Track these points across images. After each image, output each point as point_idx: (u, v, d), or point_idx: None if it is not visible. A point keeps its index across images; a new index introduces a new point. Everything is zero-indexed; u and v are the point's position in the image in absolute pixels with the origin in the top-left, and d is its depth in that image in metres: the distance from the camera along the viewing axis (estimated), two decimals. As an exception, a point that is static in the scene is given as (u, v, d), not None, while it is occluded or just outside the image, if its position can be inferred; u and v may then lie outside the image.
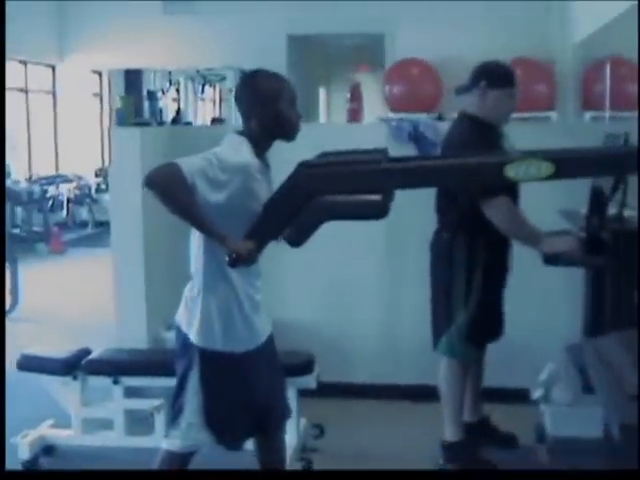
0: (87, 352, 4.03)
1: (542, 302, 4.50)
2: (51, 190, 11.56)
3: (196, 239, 2.76)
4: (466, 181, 2.73)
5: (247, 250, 2.58)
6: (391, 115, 9.18)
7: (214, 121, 13.26)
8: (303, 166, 2.63)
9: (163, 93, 11.97)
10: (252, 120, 2.75)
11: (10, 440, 3.89)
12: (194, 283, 2.79)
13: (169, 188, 2.54)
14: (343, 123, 9.17)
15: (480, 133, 3.58)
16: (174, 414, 2.84)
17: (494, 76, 3.67)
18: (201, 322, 2.75)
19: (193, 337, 2.76)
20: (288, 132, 2.78)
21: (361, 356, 4.68)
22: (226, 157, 2.63)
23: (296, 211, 2.58)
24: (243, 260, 2.60)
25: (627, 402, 1.78)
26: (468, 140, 3.57)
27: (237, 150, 2.69)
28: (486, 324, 3.75)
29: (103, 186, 12.69)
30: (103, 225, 11.75)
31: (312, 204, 2.57)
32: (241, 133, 2.77)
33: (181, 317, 2.83)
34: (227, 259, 2.58)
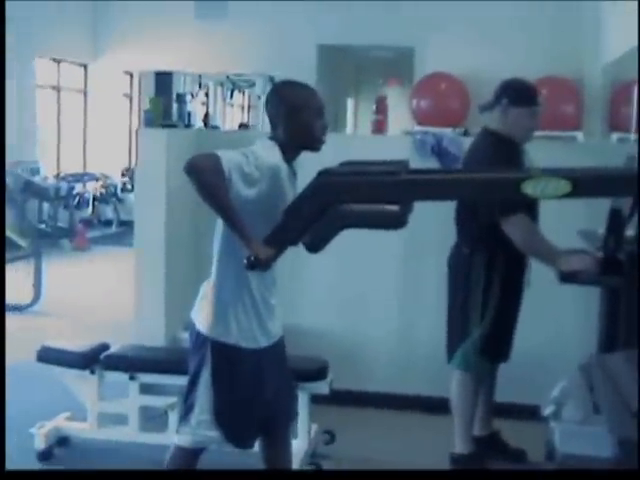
0: (105, 347, 4.10)
1: (556, 320, 4.52)
2: (78, 187, 11.70)
3: (219, 235, 2.81)
4: (483, 195, 2.76)
5: (267, 256, 2.63)
6: (417, 128, 9.22)
7: (241, 126, 13.36)
8: (324, 174, 2.67)
9: (192, 97, 12.06)
10: (279, 129, 2.82)
11: (27, 430, 3.97)
12: (213, 277, 2.85)
13: (208, 177, 2.57)
14: (367, 134, 9.23)
15: (501, 149, 3.62)
16: (185, 410, 2.90)
17: (516, 94, 3.71)
18: (215, 315, 2.81)
19: (207, 329, 2.82)
20: (312, 143, 2.84)
21: (374, 365, 4.71)
22: (261, 156, 2.70)
23: (315, 218, 2.62)
24: (261, 265, 2.65)
25: (629, 419, 1.81)
26: (489, 156, 3.61)
27: (270, 152, 2.76)
28: (501, 339, 3.79)
29: (129, 186, 12.81)
30: (127, 224, 11.87)
31: (331, 212, 2.61)
32: (271, 139, 2.83)
33: (196, 312, 2.89)
34: (245, 261, 2.63)
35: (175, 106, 8.02)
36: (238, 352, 2.82)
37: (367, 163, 2.93)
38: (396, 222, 2.64)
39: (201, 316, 2.86)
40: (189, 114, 9.22)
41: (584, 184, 2.55)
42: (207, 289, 2.87)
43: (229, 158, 2.62)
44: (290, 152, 2.82)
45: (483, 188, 2.58)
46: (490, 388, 4.01)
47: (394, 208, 2.61)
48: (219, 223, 2.79)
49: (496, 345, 3.78)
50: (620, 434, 1.77)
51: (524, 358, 4.22)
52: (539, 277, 3.84)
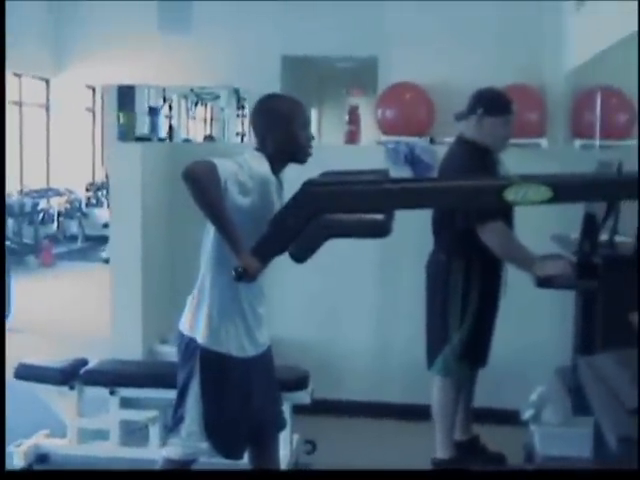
0: (84, 362, 4.08)
1: (532, 325, 4.58)
2: (42, 203, 11.60)
3: (210, 244, 2.82)
4: (467, 203, 2.81)
5: (255, 269, 2.65)
6: (383, 138, 9.28)
7: (206, 138, 13.37)
8: (308, 185, 2.70)
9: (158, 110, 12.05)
10: (267, 141, 2.84)
11: (5, 449, 3.93)
12: (202, 286, 2.85)
13: (205, 184, 2.59)
14: (341, 144, 9.27)
15: (477, 158, 3.68)
16: (174, 422, 2.90)
17: (491, 103, 3.78)
18: (205, 322, 2.82)
19: (198, 337, 2.82)
20: (299, 155, 2.87)
21: (354, 374, 4.73)
22: (253, 166, 2.73)
23: (301, 228, 2.65)
24: (248, 276, 2.66)
25: (625, 417, 1.86)
26: (466, 164, 3.67)
27: (259, 163, 2.78)
28: (480, 344, 3.84)
29: (93, 200, 12.75)
30: (92, 239, 11.81)
31: (316, 222, 2.64)
32: (258, 150, 2.85)
33: (185, 321, 2.89)
34: (233, 272, 2.64)
35: (147, 119, 8.01)
36: (227, 361, 2.83)
37: (348, 173, 2.96)
38: (380, 230, 2.68)
39: (190, 325, 2.86)
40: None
41: (564, 190, 2.61)
42: (196, 298, 2.87)
43: (225, 166, 2.64)
44: (277, 163, 2.85)
45: (466, 195, 2.63)
46: (469, 393, 4.06)
47: (378, 217, 2.64)
48: (210, 232, 2.80)
49: (475, 350, 3.83)
50: (618, 432, 1.81)
51: (501, 363, 4.28)
52: (515, 283, 3.89)
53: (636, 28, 4.81)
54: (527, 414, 3.81)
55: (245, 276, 2.65)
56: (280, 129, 2.83)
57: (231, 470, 3.30)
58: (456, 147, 3.87)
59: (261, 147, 2.86)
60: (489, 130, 3.74)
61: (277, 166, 2.85)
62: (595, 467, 2.65)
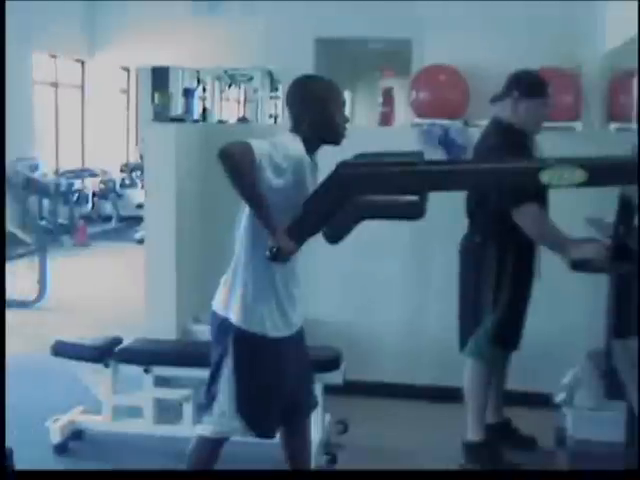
0: (119, 341, 4.13)
1: (565, 308, 4.56)
2: (77, 184, 11.69)
3: (244, 224, 2.84)
4: (502, 185, 2.80)
5: (289, 247, 2.67)
6: (417, 120, 9.24)
7: (239, 120, 13.39)
8: (342, 166, 2.71)
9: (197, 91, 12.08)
10: (303, 123, 2.85)
11: (42, 424, 4.00)
12: (236, 266, 2.88)
13: (241, 165, 2.61)
14: (375, 126, 9.25)
15: (512, 140, 3.66)
16: (207, 401, 2.93)
17: (526, 86, 3.76)
18: (240, 302, 2.85)
19: (231, 317, 2.85)
20: (335, 136, 2.89)
21: (386, 355, 4.74)
22: (287, 147, 2.75)
23: (335, 209, 2.66)
24: (282, 256, 2.68)
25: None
26: (501, 146, 3.65)
27: (294, 144, 2.80)
28: (513, 327, 3.84)
29: (127, 181, 12.84)
30: (126, 220, 11.91)
31: (351, 203, 2.65)
32: (293, 131, 2.87)
33: (219, 301, 2.92)
34: (268, 252, 2.66)
35: (182, 100, 8.04)
36: (261, 341, 2.85)
37: (382, 154, 2.97)
38: (414, 212, 2.68)
39: (224, 305, 2.89)
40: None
41: (599, 173, 2.60)
42: (230, 278, 2.90)
43: (260, 147, 2.66)
44: (312, 145, 2.86)
45: (501, 177, 2.62)
46: (501, 376, 4.06)
47: (412, 198, 2.65)
48: (244, 212, 2.82)
49: (508, 333, 3.83)
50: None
51: (534, 346, 4.27)
52: (549, 266, 3.87)
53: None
54: (559, 397, 3.79)
55: (279, 256, 2.67)
56: (316, 110, 2.84)
57: (231, 470, 3.35)
58: (491, 129, 3.86)
59: (296, 128, 2.87)
60: (524, 112, 3.72)
61: (311, 147, 2.86)
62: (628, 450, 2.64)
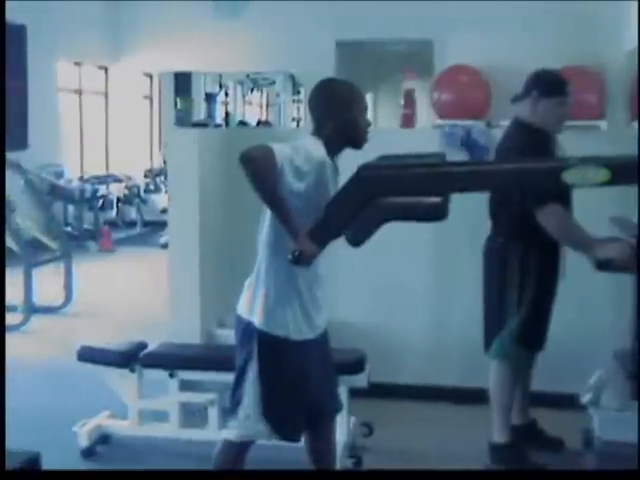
0: (144, 346, 4.15)
1: (591, 308, 4.53)
2: (102, 189, 11.77)
3: (267, 228, 2.85)
4: (525, 185, 2.79)
5: (311, 251, 2.67)
6: (439, 122, 9.23)
7: (259, 124, 13.42)
8: (364, 168, 2.71)
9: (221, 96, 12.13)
10: (326, 125, 2.86)
11: (70, 428, 4.03)
12: (259, 270, 2.89)
13: (262, 169, 2.62)
14: (397, 128, 9.22)
15: (533, 139, 3.66)
16: (233, 404, 2.94)
17: (546, 85, 3.75)
18: (263, 306, 2.85)
19: (255, 320, 2.86)
20: (357, 140, 2.90)
21: (411, 357, 4.74)
22: (309, 150, 2.76)
23: (357, 212, 2.66)
24: (305, 259, 2.69)
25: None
26: (522, 146, 3.65)
27: (316, 147, 2.81)
28: (538, 328, 3.82)
29: (152, 187, 12.91)
30: (151, 225, 11.97)
31: (373, 205, 2.65)
32: (315, 135, 2.87)
33: (243, 305, 2.93)
34: (290, 256, 2.67)
35: (204, 105, 8.08)
36: (284, 344, 2.86)
37: (404, 156, 2.97)
38: (437, 214, 2.68)
39: (248, 309, 2.90)
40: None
41: (623, 172, 2.58)
42: (253, 282, 2.91)
43: (281, 151, 2.66)
44: (334, 148, 2.87)
45: (524, 178, 2.61)
46: (527, 377, 4.04)
47: (435, 200, 2.65)
48: (266, 216, 2.83)
49: (533, 333, 3.81)
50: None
51: (560, 347, 4.25)
52: (573, 266, 3.85)
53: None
54: (586, 398, 3.77)
55: (301, 260, 2.67)
56: (338, 114, 2.84)
57: (231, 470, 3.35)
58: (513, 129, 3.85)
59: (318, 131, 2.88)
60: (544, 112, 3.71)
61: (333, 151, 2.87)
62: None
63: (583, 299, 4.49)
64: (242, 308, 2.93)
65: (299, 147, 2.75)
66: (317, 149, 2.80)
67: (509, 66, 9.63)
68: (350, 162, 2.81)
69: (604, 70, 9.44)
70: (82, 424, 4.05)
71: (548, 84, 3.77)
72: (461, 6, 10.16)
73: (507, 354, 3.80)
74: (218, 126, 7.69)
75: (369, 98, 16.71)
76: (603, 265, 3.47)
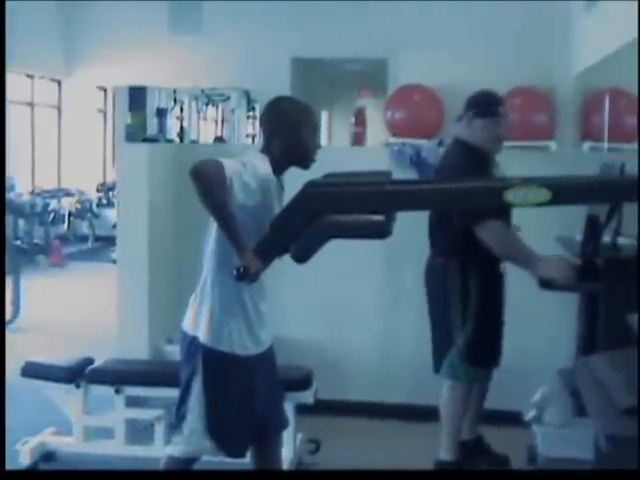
0: (90, 361, 4.12)
1: (535, 325, 4.58)
2: (53, 203, 11.66)
3: (213, 243, 2.85)
4: (467, 204, 2.83)
5: (256, 269, 2.68)
6: (391, 140, 9.29)
7: (216, 140, 13.40)
8: (310, 186, 2.74)
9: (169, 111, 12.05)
10: (274, 143, 2.87)
11: (12, 447, 3.96)
12: (204, 285, 2.88)
13: (211, 182, 2.62)
14: (347, 146, 9.30)
15: (470, 158, 3.73)
16: (177, 420, 2.93)
17: (479, 106, 3.84)
18: (207, 321, 2.85)
19: (200, 336, 2.85)
20: (305, 161, 2.91)
21: (358, 374, 4.75)
22: (256, 166, 2.76)
23: (302, 228, 2.68)
24: (249, 276, 2.69)
25: (616, 416, 1.88)
26: (459, 164, 3.74)
27: (262, 164, 2.82)
28: (485, 344, 3.84)
29: (104, 201, 12.81)
30: (103, 240, 11.87)
31: (318, 222, 2.67)
32: (263, 151, 2.89)
33: (187, 321, 2.92)
34: (235, 272, 2.67)
35: (155, 120, 8.04)
36: (229, 359, 2.85)
37: (351, 174, 2.99)
38: (381, 232, 2.70)
39: (193, 324, 2.89)
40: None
41: (564, 192, 2.64)
42: (198, 297, 2.90)
43: (230, 166, 2.68)
44: (280, 166, 2.88)
45: (466, 196, 2.65)
46: (482, 393, 4.05)
47: (379, 218, 2.67)
48: (212, 231, 2.83)
49: (481, 351, 3.82)
50: (607, 431, 1.83)
51: (505, 365, 4.28)
52: (518, 283, 3.90)
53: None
54: (529, 415, 3.81)
55: (246, 276, 2.68)
56: (287, 133, 2.86)
57: (231, 470, 3.34)
58: (452, 148, 3.93)
59: (266, 148, 2.89)
60: (479, 131, 3.79)
61: (279, 168, 2.88)
62: (596, 467, 2.66)
63: (531, 317, 4.54)
64: (187, 323, 2.92)
65: (246, 163, 2.77)
66: (263, 166, 2.81)
67: (462, 85, 9.67)
68: (297, 179, 2.83)
69: (553, 91, 9.58)
70: (24, 442, 4.00)
71: (482, 105, 3.84)
72: (416, 26, 10.26)
73: (457, 374, 3.81)
74: (169, 141, 7.65)
75: (324, 116, 16.81)
76: (546, 284, 3.52)
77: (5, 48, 7.97)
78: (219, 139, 13.08)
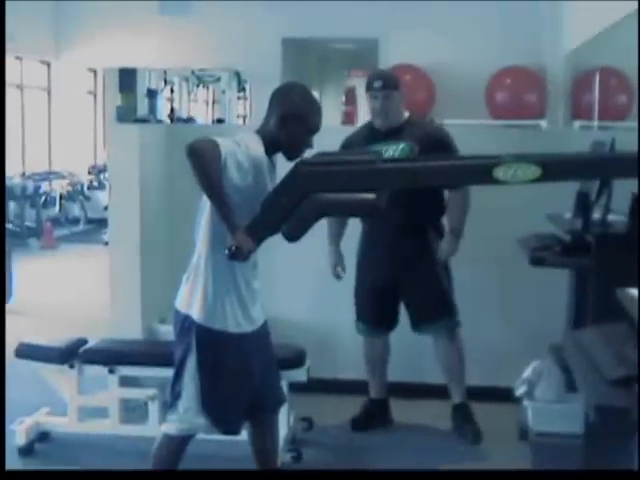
0: (84, 342, 4.13)
1: (526, 302, 4.60)
2: (44, 186, 11.62)
3: (206, 221, 2.86)
4: (457, 181, 2.84)
5: (248, 248, 2.70)
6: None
7: (218, 121, 13.37)
8: (301, 164, 2.75)
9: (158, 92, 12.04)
10: (272, 127, 2.89)
11: (7, 427, 3.98)
12: (196, 264, 2.90)
13: (207, 160, 2.65)
14: (338, 125, 9.28)
15: (360, 131, 4.15)
16: (172, 398, 2.95)
17: (366, 83, 4.12)
18: (201, 299, 2.86)
19: (194, 314, 2.87)
20: (293, 154, 2.92)
21: (350, 352, 4.76)
22: (249, 146, 2.79)
23: (293, 208, 2.70)
24: (242, 255, 2.71)
25: (605, 386, 1.92)
26: (350, 137, 4.09)
27: (255, 144, 2.84)
28: (365, 305, 4.23)
29: (95, 183, 12.78)
30: (94, 222, 11.86)
31: (309, 201, 2.69)
32: (258, 132, 2.90)
33: (181, 299, 2.94)
34: (227, 251, 2.69)
35: (146, 101, 8.04)
36: (223, 337, 2.87)
37: (342, 153, 3.01)
38: (373, 210, 2.72)
39: (186, 303, 2.91)
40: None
41: (553, 169, 2.65)
42: (191, 276, 2.92)
43: (225, 145, 2.70)
44: (271, 149, 2.90)
45: (456, 174, 2.67)
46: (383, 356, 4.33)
47: (370, 196, 2.68)
48: (204, 210, 2.85)
49: (360, 309, 4.25)
50: (597, 402, 1.86)
51: (496, 341, 4.33)
52: (510, 259, 3.93)
53: (636, 7, 4.84)
54: (520, 391, 3.84)
55: (238, 255, 2.69)
56: (290, 124, 2.88)
57: (231, 470, 3.37)
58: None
59: (263, 129, 2.91)
60: (367, 105, 4.09)
61: (271, 150, 2.90)
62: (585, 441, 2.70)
63: (518, 293, 4.57)
64: (180, 302, 2.94)
65: (240, 142, 2.78)
66: (255, 146, 2.83)
67: (453, 65, 9.74)
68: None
69: (544, 70, 9.60)
70: (19, 422, 4.01)
71: (366, 81, 4.11)
72: (407, 5, 10.23)
73: (358, 330, 4.30)
74: (160, 122, 7.65)
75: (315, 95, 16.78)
76: (535, 260, 3.54)
77: (5, 39, 7.94)
78: (220, 121, 13.05)
